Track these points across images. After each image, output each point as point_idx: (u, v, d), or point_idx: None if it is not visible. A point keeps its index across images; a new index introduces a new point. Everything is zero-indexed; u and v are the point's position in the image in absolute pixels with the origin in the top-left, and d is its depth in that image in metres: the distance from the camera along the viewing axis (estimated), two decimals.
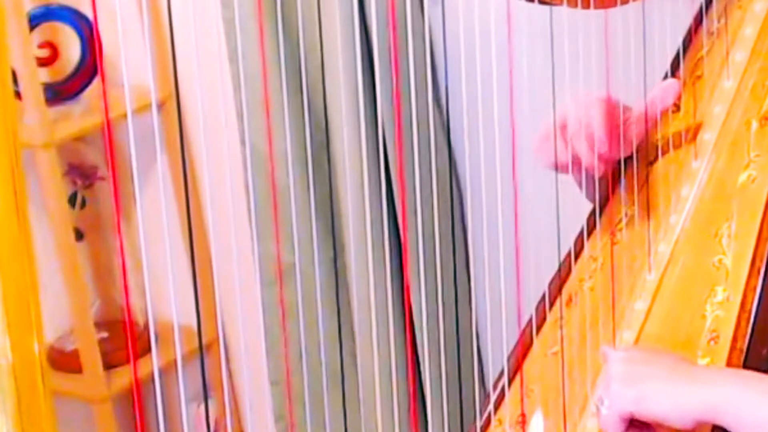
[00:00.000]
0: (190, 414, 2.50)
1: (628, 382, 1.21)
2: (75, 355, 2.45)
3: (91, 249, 2.56)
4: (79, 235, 2.53)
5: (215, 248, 1.29)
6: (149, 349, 1.14)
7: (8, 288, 1.00)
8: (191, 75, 1.20)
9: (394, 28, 1.62)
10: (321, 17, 2.21)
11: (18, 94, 2.25)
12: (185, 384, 1.17)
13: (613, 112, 1.43)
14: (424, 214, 1.71)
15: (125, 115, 1.14)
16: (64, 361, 2.50)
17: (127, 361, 2.41)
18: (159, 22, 2.25)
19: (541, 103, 1.39)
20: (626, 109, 1.44)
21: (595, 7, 1.39)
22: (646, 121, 1.43)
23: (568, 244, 1.48)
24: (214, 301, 1.55)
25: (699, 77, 1.49)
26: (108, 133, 1.11)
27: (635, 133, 1.43)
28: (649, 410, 1.19)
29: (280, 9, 1.73)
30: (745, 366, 1.27)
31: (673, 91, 1.43)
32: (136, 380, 1.18)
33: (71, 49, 2.43)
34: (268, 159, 2.21)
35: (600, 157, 1.41)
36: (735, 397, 1.15)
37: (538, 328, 1.41)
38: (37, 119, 2.27)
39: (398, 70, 1.80)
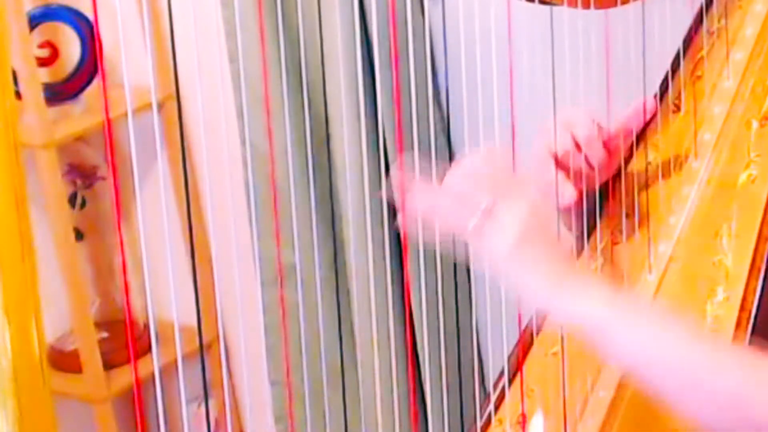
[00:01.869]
0: (190, 414, 2.50)
1: (519, 249, 1.13)
2: (75, 355, 2.45)
3: (91, 249, 2.56)
4: (79, 235, 2.52)
5: (215, 248, 1.29)
6: (149, 349, 1.14)
7: (9, 288, 1.01)
8: (191, 75, 1.20)
9: (394, 27, 1.62)
10: (321, 16, 2.21)
11: (18, 94, 2.25)
12: (185, 384, 1.17)
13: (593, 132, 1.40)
14: None
15: (126, 115, 1.14)
16: (64, 361, 2.50)
17: (128, 361, 2.41)
18: (159, 22, 2.24)
19: (542, 103, 1.39)
20: (600, 127, 1.42)
21: (596, 7, 1.39)
22: (624, 139, 1.42)
23: (568, 243, 1.48)
24: (214, 301, 1.55)
25: (699, 77, 1.49)
26: (108, 133, 1.11)
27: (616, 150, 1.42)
28: (517, 288, 1.15)
29: (281, 8, 1.73)
30: None
31: (649, 108, 1.41)
32: (137, 380, 1.19)
33: (71, 49, 2.43)
34: (269, 158, 2.21)
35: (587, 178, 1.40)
36: (609, 318, 1.11)
37: (539, 328, 1.41)
38: (37, 119, 2.27)
39: (398, 70, 1.80)
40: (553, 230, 1.20)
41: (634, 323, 1.13)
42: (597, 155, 1.39)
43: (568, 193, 1.39)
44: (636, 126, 1.42)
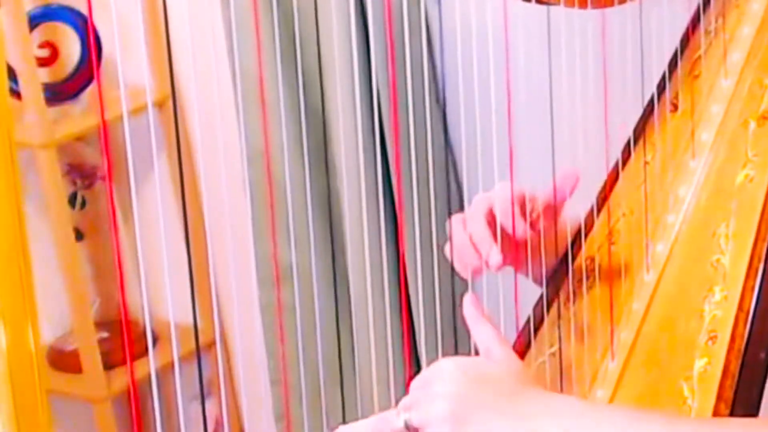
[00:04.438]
0: (190, 413, 2.50)
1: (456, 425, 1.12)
2: (75, 355, 2.45)
3: (91, 249, 2.56)
4: (79, 235, 2.53)
5: (213, 248, 1.29)
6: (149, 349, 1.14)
7: (4, 289, 1.01)
8: (190, 75, 1.20)
9: (391, 27, 1.62)
10: (318, 15, 2.21)
11: (18, 94, 2.25)
12: (185, 384, 1.17)
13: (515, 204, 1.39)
14: (423, 213, 1.71)
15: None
16: (64, 361, 2.50)
17: (127, 361, 2.41)
18: (157, 21, 2.25)
19: (539, 103, 1.39)
20: (532, 199, 1.40)
21: (593, 7, 1.38)
22: (555, 211, 1.41)
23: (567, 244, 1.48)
24: (213, 301, 1.55)
25: (696, 77, 1.49)
26: (104, 133, 1.11)
27: (543, 224, 1.41)
28: None
29: (278, 6, 1.73)
30: (743, 369, 1.27)
31: (572, 181, 1.39)
32: (133, 380, 1.19)
33: (71, 49, 2.43)
34: (267, 158, 2.21)
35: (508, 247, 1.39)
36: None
37: (536, 329, 1.41)
38: (36, 119, 2.27)
39: (396, 69, 1.80)
40: (484, 379, 1.16)
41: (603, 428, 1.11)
42: (518, 229, 1.38)
43: (494, 260, 1.37)
44: (565, 193, 1.40)
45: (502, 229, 1.37)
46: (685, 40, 1.51)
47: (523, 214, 1.38)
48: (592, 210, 1.45)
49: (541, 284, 1.42)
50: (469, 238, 1.39)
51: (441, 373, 1.15)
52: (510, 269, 1.42)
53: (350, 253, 2.30)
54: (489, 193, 1.39)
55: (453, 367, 1.15)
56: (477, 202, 1.40)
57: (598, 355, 1.35)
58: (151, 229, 1.24)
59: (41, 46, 2.41)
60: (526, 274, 1.45)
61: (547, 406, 1.13)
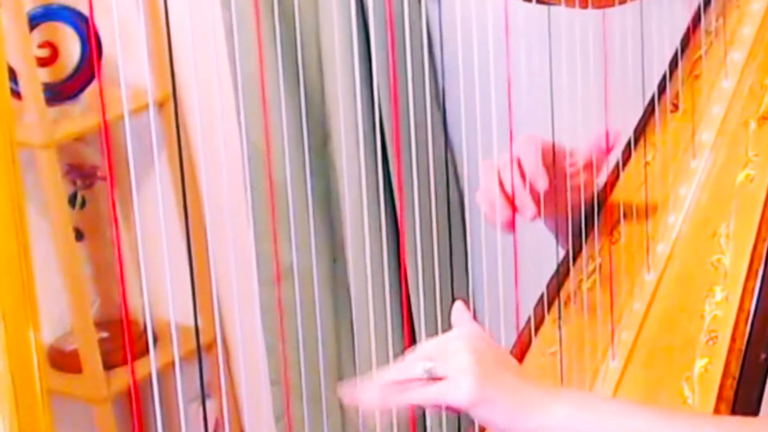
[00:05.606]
0: (190, 414, 2.50)
1: (475, 382, 1.13)
2: (75, 355, 2.45)
3: (91, 249, 2.56)
4: (79, 235, 2.52)
5: (214, 248, 1.29)
6: (149, 349, 1.14)
7: (5, 290, 1.00)
8: (190, 74, 1.20)
9: (392, 27, 1.62)
10: (319, 16, 2.21)
11: (18, 94, 2.25)
12: (185, 384, 1.17)
13: (553, 154, 1.40)
14: (423, 214, 1.71)
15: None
16: (64, 361, 2.50)
17: (127, 362, 2.41)
18: (158, 21, 2.24)
19: (539, 103, 1.39)
20: (572, 152, 1.42)
21: (593, 7, 1.39)
22: (594, 167, 1.42)
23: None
24: (214, 301, 1.55)
25: (697, 77, 1.49)
26: (105, 133, 1.11)
27: (583, 178, 1.42)
28: (483, 418, 1.14)
29: (278, 6, 1.73)
30: (744, 369, 1.27)
31: (613, 139, 1.41)
32: (134, 381, 1.18)
33: (71, 49, 2.43)
34: (267, 158, 2.21)
35: (537, 198, 1.39)
36: (570, 421, 1.11)
37: (537, 329, 1.41)
38: (37, 119, 2.27)
39: (396, 70, 1.80)
40: (500, 350, 1.19)
41: (603, 421, 1.12)
42: (543, 185, 1.39)
43: (529, 212, 1.39)
44: (599, 153, 1.42)
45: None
46: (686, 40, 1.51)
47: (549, 166, 1.39)
48: (592, 210, 1.45)
49: (566, 242, 1.42)
50: (500, 187, 1.39)
51: (461, 333, 1.17)
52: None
53: (350, 253, 2.30)
54: (519, 143, 1.40)
55: (473, 330, 1.18)
56: (519, 147, 1.40)
57: (599, 355, 1.35)
58: (151, 229, 1.23)
59: (41, 46, 2.41)
60: (553, 228, 1.45)
61: (554, 392, 1.16)
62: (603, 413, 1.13)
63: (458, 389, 1.13)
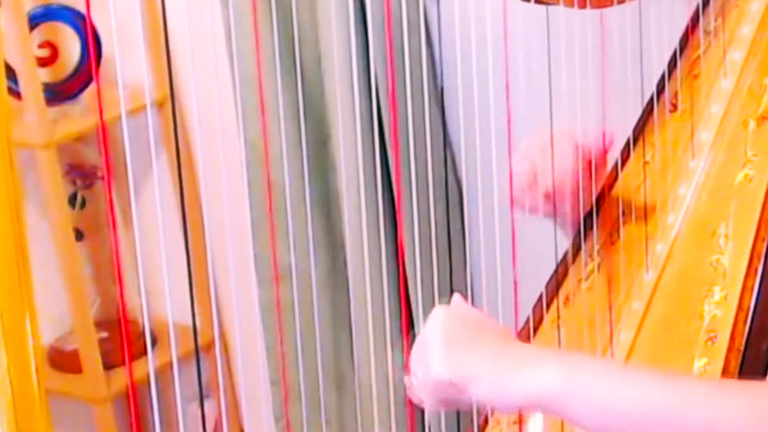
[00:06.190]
0: (189, 414, 2.50)
1: (449, 357, 1.11)
2: (75, 355, 2.45)
3: (91, 249, 2.56)
4: (79, 235, 2.52)
5: (213, 248, 1.29)
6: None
7: (4, 288, 1.00)
8: (189, 74, 1.20)
9: (391, 27, 1.62)
10: (317, 14, 2.21)
11: (18, 94, 2.25)
12: (185, 384, 1.17)
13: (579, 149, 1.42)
14: (422, 214, 1.71)
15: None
16: (64, 361, 2.50)
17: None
18: (156, 21, 2.24)
19: (538, 102, 1.39)
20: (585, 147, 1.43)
21: (592, 7, 1.38)
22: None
23: (566, 244, 1.48)
24: (213, 302, 1.55)
25: (696, 76, 1.49)
26: (103, 134, 1.11)
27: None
28: (469, 392, 1.10)
29: (277, 6, 1.73)
30: (745, 364, 1.27)
31: (609, 138, 1.43)
32: (133, 381, 1.18)
33: (71, 49, 2.43)
34: (266, 158, 2.21)
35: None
36: (562, 383, 1.05)
37: (536, 329, 1.41)
38: (36, 119, 2.27)
39: (395, 69, 1.80)
40: (479, 323, 1.16)
41: (591, 383, 1.07)
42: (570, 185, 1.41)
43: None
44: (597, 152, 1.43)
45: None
46: (685, 40, 1.51)
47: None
48: (591, 209, 1.45)
49: (571, 229, 1.43)
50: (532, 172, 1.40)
51: (434, 321, 1.15)
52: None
53: (350, 252, 2.30)
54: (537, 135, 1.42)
55: (448, 312, 1.16)
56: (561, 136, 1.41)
57: (598, 355, 1.35)
58: (150, 229, 1.24)
59: (41, 46, 2.41)
60: (561, 223, 1.46)
61: (540, 350, 1.15)
62: (594, 375, 1.08)
63: (430, 380, 1.12)
